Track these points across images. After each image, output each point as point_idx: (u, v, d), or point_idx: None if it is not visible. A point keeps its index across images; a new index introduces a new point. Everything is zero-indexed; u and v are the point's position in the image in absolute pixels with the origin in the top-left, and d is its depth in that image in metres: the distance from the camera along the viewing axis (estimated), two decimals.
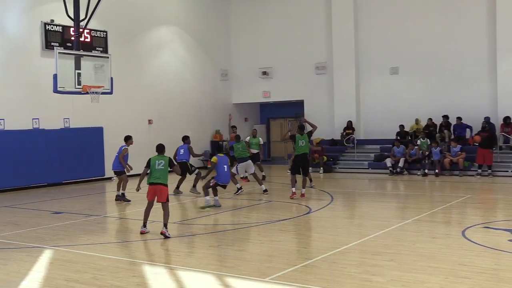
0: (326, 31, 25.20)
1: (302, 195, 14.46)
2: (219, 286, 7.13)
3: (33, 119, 19.31)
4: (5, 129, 18.45)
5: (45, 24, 19.34)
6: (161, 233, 10.04)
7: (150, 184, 10.37)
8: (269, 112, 29.87)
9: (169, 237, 9.98)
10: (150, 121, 23.40)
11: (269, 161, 28.82)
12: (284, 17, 26.41)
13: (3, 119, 18.44)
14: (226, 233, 10.60)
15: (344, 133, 23.81)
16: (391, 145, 21.55)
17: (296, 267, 7.84)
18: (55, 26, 19.54)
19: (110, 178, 21.32)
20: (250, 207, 13.76)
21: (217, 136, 26.81)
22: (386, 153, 21.65)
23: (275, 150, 29.93)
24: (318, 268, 7.85)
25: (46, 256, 8.97)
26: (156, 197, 10.35)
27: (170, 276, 7.60)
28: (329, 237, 10.10)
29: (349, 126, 23.73)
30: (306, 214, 12.49)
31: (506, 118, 20.29)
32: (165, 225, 10.13)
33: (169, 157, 10.68)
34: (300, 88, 26.08)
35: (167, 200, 10.36)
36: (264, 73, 26.91)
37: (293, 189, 14.51)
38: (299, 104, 26.64)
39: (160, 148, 10.75)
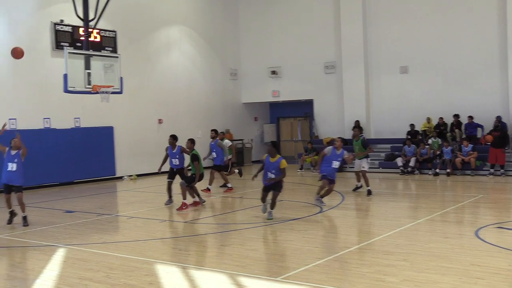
0: (335, 31, 25.16)
1: None
2: (231, 285, 7.12)
3: (44, 118, 19.41)
4: (17, 128, 18.53)
5: (55, 24, 19.44)
6: None
7: None
8: (278, 111, 29.84)
9: None
10: (160, 121, 23.45)
11: None
12: (293, 17, 26.38)
13: (15, 119, 18.54)
14: (238, 232, 10.59)
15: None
16: (402, 145, 21.48)
17: (307, 266, 7.82)
18: (64, 26, 19.64)
19: (121, 178, 21.43)
20: (260, 207, 13.72)
21: (227, 135, 26.80)
22: (397, 153, 21.57)
23: (285, 149, 29.91)
24: (330, 267, 7.82)
25: (59, 254, 9.01)
26: None
27: (182, 275, 7.60)
28: (341, 236, 10.07)
29: (357, 126, 23.65)
30: (317, 213, 12.45)
31: None
32: None
33: None
34: (309, 88, 26.06)
35: None
36: (273, 72, 26.89)
37: None
38: (309, 104, 26.62)
39: None
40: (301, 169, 22.91)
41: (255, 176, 11.80)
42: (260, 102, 28.51)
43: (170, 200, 14.11)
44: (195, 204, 13.46)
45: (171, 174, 14.17)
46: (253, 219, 11.92)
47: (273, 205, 11.61)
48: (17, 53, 12.82)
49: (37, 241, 10.06)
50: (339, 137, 14.45)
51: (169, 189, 14.11)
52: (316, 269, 7.72)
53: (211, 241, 10.06)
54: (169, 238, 10.12)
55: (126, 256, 8.80)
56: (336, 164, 13.15)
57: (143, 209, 13.84)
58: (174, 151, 13.87)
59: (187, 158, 13.91)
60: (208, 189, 16.15)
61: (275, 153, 11.35)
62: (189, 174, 13.83)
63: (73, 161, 19.92)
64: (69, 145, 19.92)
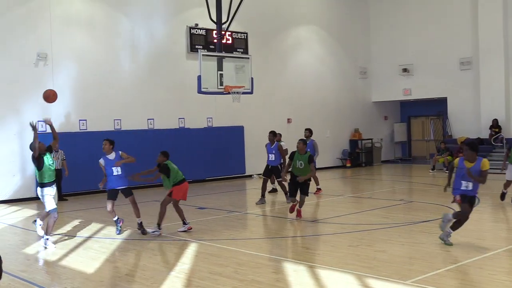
0: (471, 24, 23.92)
1: None
2: (358, 286, 7.02)
3: (179, 118, 20.36)
4: (154, 128, 19.63)
5: (190, 28, 20.32)
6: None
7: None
8: (409, 110, 28.98)
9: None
10: (289, 120, 23.68)
11: (409, 160, 28.01)
12: (425, 11, 25.47)
13: (152, 119, 19.64)
14: (365, 233, 10.42)
15: (492, 132, 22.50)
16: None
17: (439, 271, 7.52)
18: (199, 30, 20.47)
19: (250, 176, 21.93)
20: (390, 208, 13.42)
21: (356, 135, 26.51)
22: None
23: (416, 149, 29.01)
24: (463, 273, 7.46)
25: (191, 249, 9.40)
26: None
27: (309, 274, 7.62)
28: (475, 241, 9.56)
29: (495, 125, 22.36)
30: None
31: None
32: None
33: None
34: (443, 85, 25.01)
35: None
36: (405, 70, 26.15)
37: None
38: (442, 102, 25.57)
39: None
40: (433, 169, 22.07)
41: (448, 185, 9.57)
42: (390, 101, 27.86)
43: (262, 200, 14.30)
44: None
45: (267, 172, 14.56)
46: (381, 220, 11.68)
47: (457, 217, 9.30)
48: (49, 97, 10.66)
49: (171, 235, 10.58)
50: None
51: (264, 187, 14.40)
52: (448, 274, 7.40)
53: (338, 241, 9.99)
54: (296, 237, 10.18)
55: (254, 253, 8.99)
56: None
57: (271, 207, 14.05)
58: (272, 147, 14.46)
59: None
60: (319, 189, 16.04)
61: (473, 158, 8.94)
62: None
63: (205, 159, 20.68)
64: (202, 144, 20.70)
